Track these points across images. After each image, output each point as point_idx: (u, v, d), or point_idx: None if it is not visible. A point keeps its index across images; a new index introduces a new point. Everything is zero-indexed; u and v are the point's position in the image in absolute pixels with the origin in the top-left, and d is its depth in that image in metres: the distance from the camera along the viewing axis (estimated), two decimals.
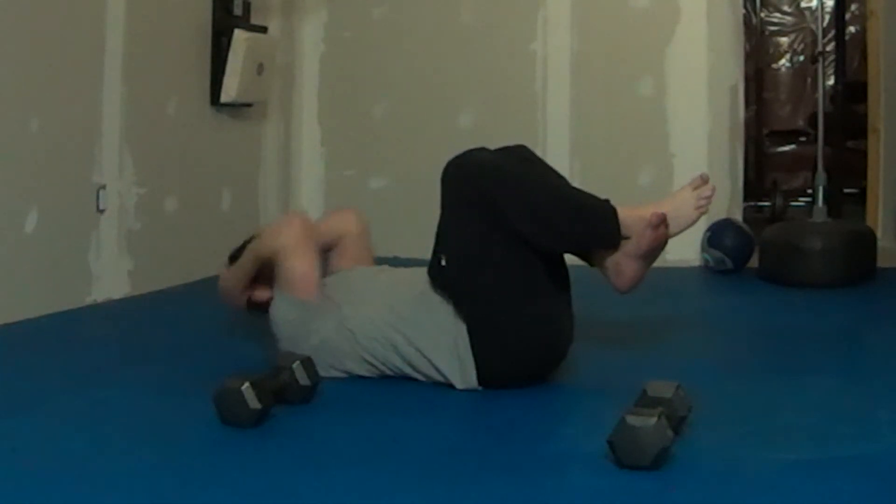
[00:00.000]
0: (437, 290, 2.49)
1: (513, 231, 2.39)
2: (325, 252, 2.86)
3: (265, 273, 2.74)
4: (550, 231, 2.41)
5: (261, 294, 2.78)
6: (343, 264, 2.84)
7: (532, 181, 2.47)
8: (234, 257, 2.81)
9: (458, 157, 2.47)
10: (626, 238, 2.46)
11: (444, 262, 2.45)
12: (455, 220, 2.45)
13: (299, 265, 2.63)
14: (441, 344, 2.46)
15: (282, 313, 2.64)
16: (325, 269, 2.83)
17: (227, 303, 2.87)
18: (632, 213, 2.46)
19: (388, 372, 2.55)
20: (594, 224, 2.46)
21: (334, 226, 2.90)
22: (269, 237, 2.70)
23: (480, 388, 2.45)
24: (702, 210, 2.52)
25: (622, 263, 2.48)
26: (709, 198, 2.52)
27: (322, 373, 2.41)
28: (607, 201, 2.49)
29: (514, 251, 2.40)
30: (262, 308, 2.75)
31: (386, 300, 2.57)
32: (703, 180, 2.53)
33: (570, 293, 2.57)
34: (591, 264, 2.55)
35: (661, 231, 2.43)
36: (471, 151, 2.48)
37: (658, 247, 2.46)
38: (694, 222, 2.54)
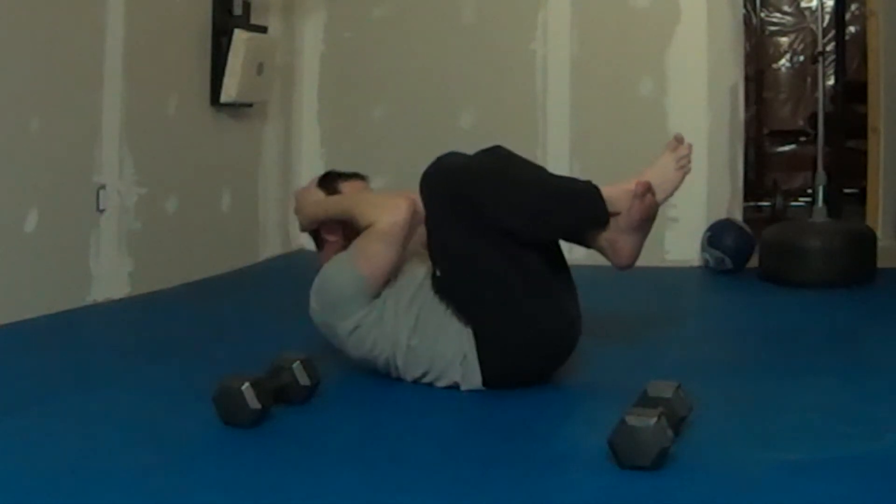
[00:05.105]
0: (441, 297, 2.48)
1: (498, 229, 2.37)
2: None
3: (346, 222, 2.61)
4: (537, 222, 2.40)
5: (329, 233, 2.67)
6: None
7: (509, 175, 2.44)
8: (327, 182, 2.71)
9: (430, 167, 2.44)
10: (616, 214, 2.45)
11: (438, 274, 2.45)
12: (440, 230, 2.44)
13: (386, 254, 2.48)
14: (448, 347, 2.45)
15: (339, 281, 2.50)
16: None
17: (297, 215, 2.76)
18: (616, 189, 2.46)
19: (395, 374, 2.53)
20: (580, 207, 2.45)
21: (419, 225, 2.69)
22: (375, 207, 2.53)
23: (484, 388, 2.45)
24: (684, 169, 2.54)
25: (617, 240, 2.47)
26: (687, 156, 2.54)
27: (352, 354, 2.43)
28: (589, 182, 2.48)
29: (503, 249, 2.39)
30: (319, 242, 2.69)
31: (408, 301, 2.52)
32: (679, 141, 2.55)
33: (570, 274, 2.55)
34: (587, 246, 2.54)
35: (649, 199, 2.44)
36: (441, 158, 2.45)
37: (649, 216, 2.47)
38: (679, 184, 2.55)
